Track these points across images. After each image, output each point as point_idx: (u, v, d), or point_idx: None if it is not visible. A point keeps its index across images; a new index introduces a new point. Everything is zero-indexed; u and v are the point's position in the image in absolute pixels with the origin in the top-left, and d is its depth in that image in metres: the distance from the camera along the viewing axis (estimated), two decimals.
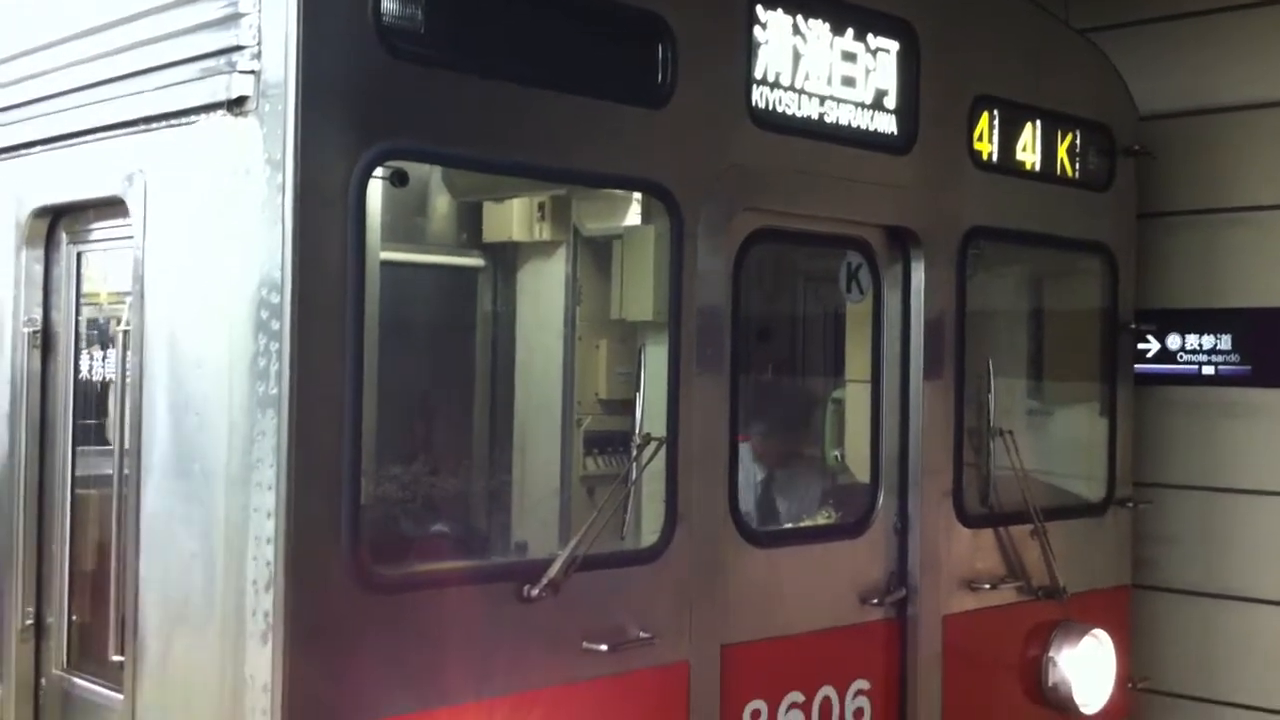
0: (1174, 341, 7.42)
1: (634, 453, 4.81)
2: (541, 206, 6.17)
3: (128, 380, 4.70)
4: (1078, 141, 6.63)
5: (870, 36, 5.55)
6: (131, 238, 4.62)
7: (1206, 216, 7.37)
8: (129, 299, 4.67)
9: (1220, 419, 7.32)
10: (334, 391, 4.01)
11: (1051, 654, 6.32)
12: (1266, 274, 7.19)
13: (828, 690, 5.47)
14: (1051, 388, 7.36)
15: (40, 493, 5.26)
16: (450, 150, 4.45)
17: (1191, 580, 7.37)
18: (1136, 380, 7.11)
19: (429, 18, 4.24)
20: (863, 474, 5.98)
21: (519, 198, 6.14)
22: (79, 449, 5.27)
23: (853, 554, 5.65)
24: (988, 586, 6.03)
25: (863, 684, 5.61)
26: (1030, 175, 6.39)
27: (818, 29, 5.37)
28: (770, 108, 5.22)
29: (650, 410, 4.90)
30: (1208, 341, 7.33)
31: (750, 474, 6.51)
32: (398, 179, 4.28)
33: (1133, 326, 6.97)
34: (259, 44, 4.05)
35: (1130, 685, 6.77)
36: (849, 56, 5.48)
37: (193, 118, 4.32)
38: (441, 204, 6.45)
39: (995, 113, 6.16)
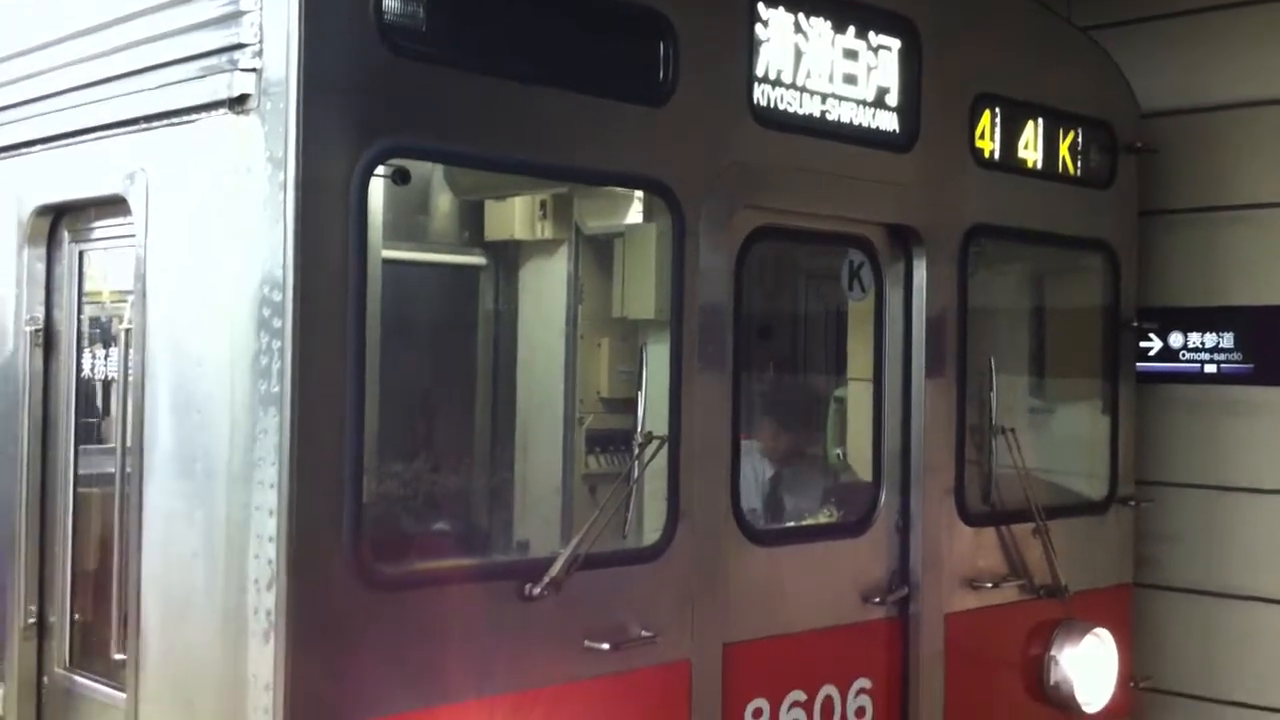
0: (1176, 340, 7.42)
1: (636, 451, 4.81)
2: (543, 205, 6.17)
3: (130, 379, 4.71)
4: (1079, 139, 6.63)
5: (872, 34, 5.55)
6: (133, 236, 4.62)
7: (1208, 214, 7.36)
8: (131, 297, 4.68)
9: (1222, 417, 7.31)
10: (336, 389, 4.01)
11: (1053, 652, 6.32)
12: (1269, 272, 7.18)
13: (829, 689, 5.47)
14: (1053, 386, 7.35)
15: (42, 491, 5.26)
16: (452, 148, 4.46)
17: (1193, 579, 7.36)
18: (1138, 378, 7.11)
19: (430, 15, 4.24)
20: (865, 472, 5.98)
21: (521, 196, 6.14)
22: (81, 447, 5.27)
23: (854, 552, 5.64)
24: (990, 585, 6.02)
25: (865, 682, 5.61)
26: (1032, 173, 6.39)
27: (819, 26, 5.36)
28: (772, 105, 5.21)
29: (652, 408, 4.90)
30: (1210, 340, 7.32)
31: (759, 471, 6.52)
32: (399, 177, 4.29)
33: (1135, 324, 6.97)
34: (260, 42, 4.05)
35: (1132, 684, 6.77)
36: (851, 54, 5.48)
37: (194, 116, 4.32)
38: (443, 202, 6.45)
39: (997, 110, 6.16)
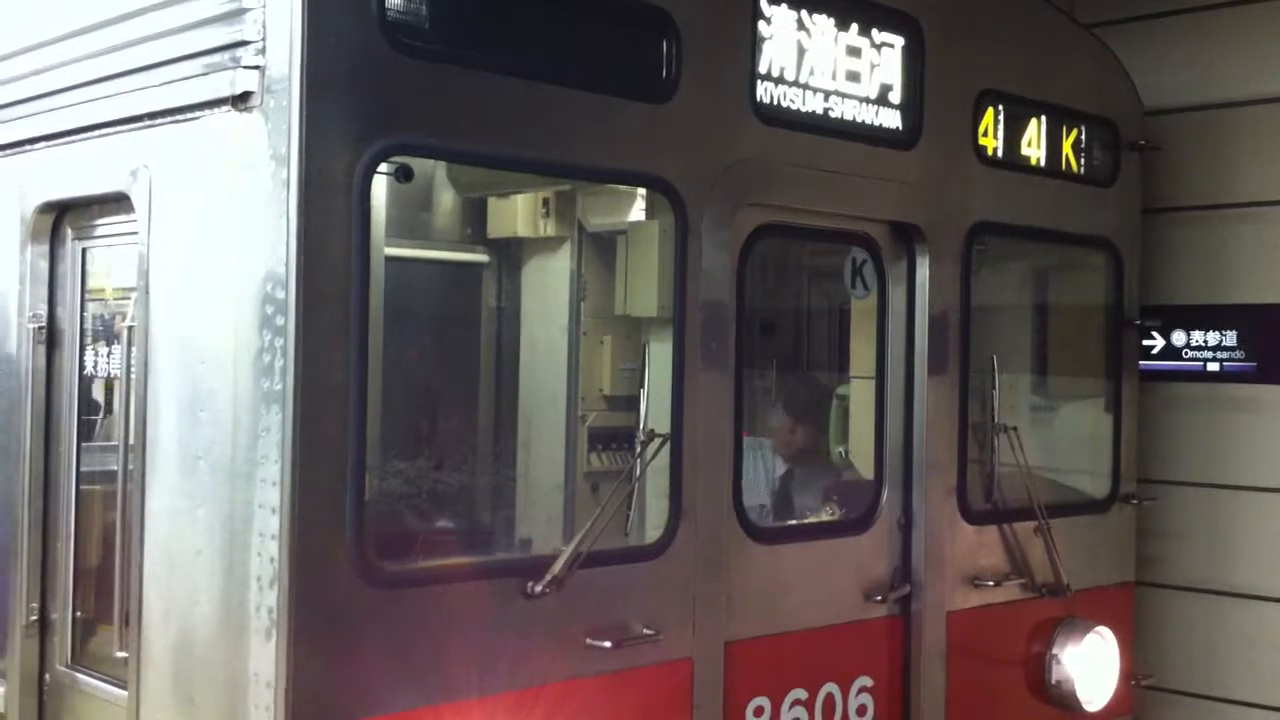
0: (1179, 338, 7.41)
1: (638, 449, 4.81)
2: (546, 202, 6.17)
3: (132, 376, 4.71)
4: (1083, 136, 6.62)
5: (875, 31, 5.54)
6: (136, 233, 4.62)
7: (1212, 212, 7.36)
8: (134, 294, 4.68)
9: (1225, 415, 7.31)
10: (338, 387, 4.01)
11: (1055, 651, 6.31)
12: (1272, 270, 7.17)
13: (831, 687, 5.46)
14: (1056, 384, 7.35)
15: (45, 488, 5.26)
16: (455, 145, 4.45)
17: (1196, 577, 7.36)
18: (1141, 376, 7.10)
19: (433, 12, 4.23)
20: (867, 470, 5.98)
21: (523, 193, 6.14)
22: (84, 445, 5.27)
23: (856, 550, 5.64)
24: (991, 583, 6.02)
25: (866, 681, 5.61)
26: (1035, 170, 6.38)
27: (822, 24, 5.36)
28: (775, 103, 5.21)
29: (654, 406, 4.90)
30: (1213, 338, 7.32)
31: (770, 468, 6.52)
32: (402, 174, 4.29)
33: (1137, 322, 6.96)
34: (263, 39, 4.05)
35: (1134, 682, 6.77)
36: (854, 51, 5.48)
37: (197, 113, 4.32)
38: (446, 199, 6.45)
39: (1000, 108, 6.15)
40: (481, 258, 6.50)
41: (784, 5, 5.22)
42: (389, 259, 5.09)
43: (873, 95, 5.55)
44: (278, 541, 3.94)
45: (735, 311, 5.10)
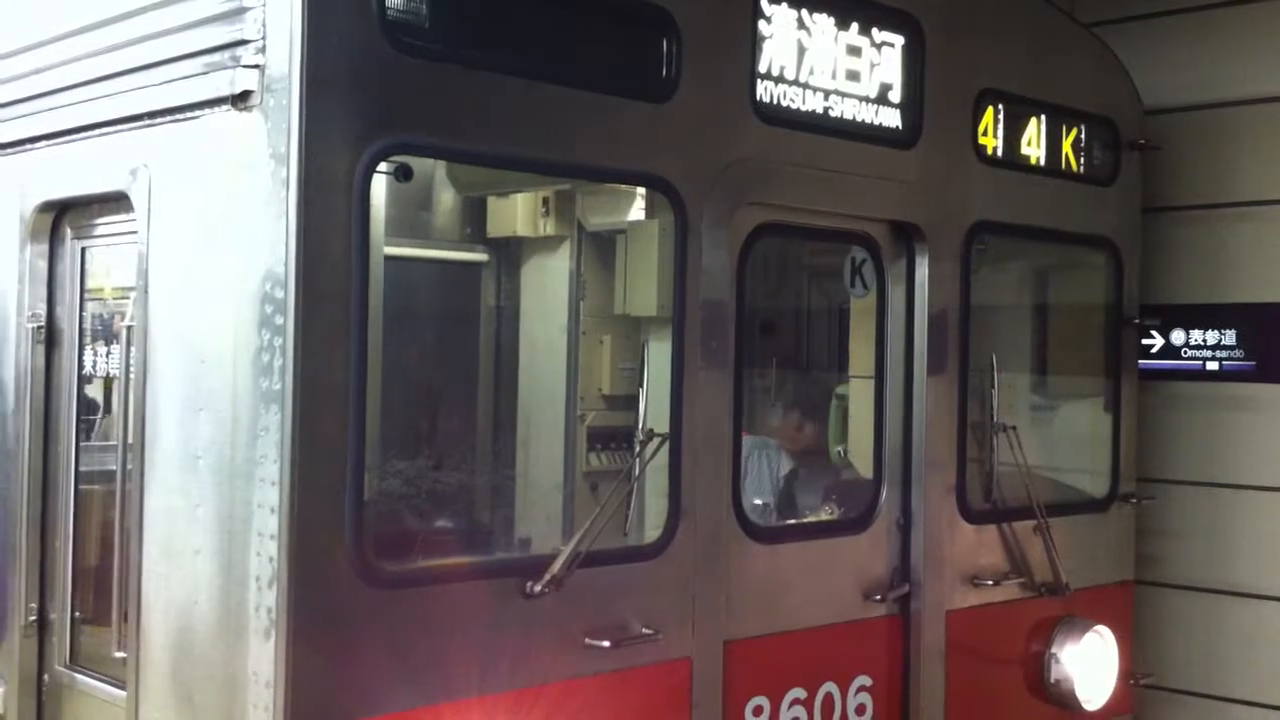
0: (1178, 337, 7.41)
1: (637, 448, 4.81)
2: (546, 201, 6.17)
3: (131, 376, 4.71)
4: (1083, 135, 6.62)
5: (875, 30, 5.54)
6: (136, 233, 4.62)
7: (1211, 211, 7.36)
8: (133, 294, 4.67)
9: (1224, 414, 7.31)
10: (338, 386, 4.00)
11: (1054, 650, 6.31)
12: (1271, 269, 7.18)
13: (830, 686, 5.46)
14: (1055, 383, 7.35)
15: (44, 488, 5.26)
16: (455, 144, 4.45)
17: (1195, 576, 7.36)
18: (1141, 375, 7.10)
19: (433, 11, 4.23)
20: (866, 469, 5.98)
21: (523, 192, 6.14)
22: (83, 444, 5.27)
23: (856, 549, 5.64)
24: (991, 582, 6.02)
25: (865, 680, 5.61)
26: (1035, 169, 6.38)
27: (823, 23, 5.36)
28: (775, 102, 5.21)
29: (653, 405, 4.90)
30: (1212, 337, 7.32)
31: (776, 468, 6.53)
32: (402, 174, 4.29)
33: (1137, 321, 6.96)
34: (263, 38, 4.05)
35: (1133, 681, 6.77)
36: (854, 51, 5.47)
37: (197, 112, 4.31)
38: (446, 199, 6.44)
39: (1000, 107, 6.15)
40: (481, 257, 6.50)
41: (784, 4, 5.22)
42: (388, 258, 5.09)
43: (873, 94, 5.55)
44: (277, 541, 3.94)
45: (735, 311, 5.09)
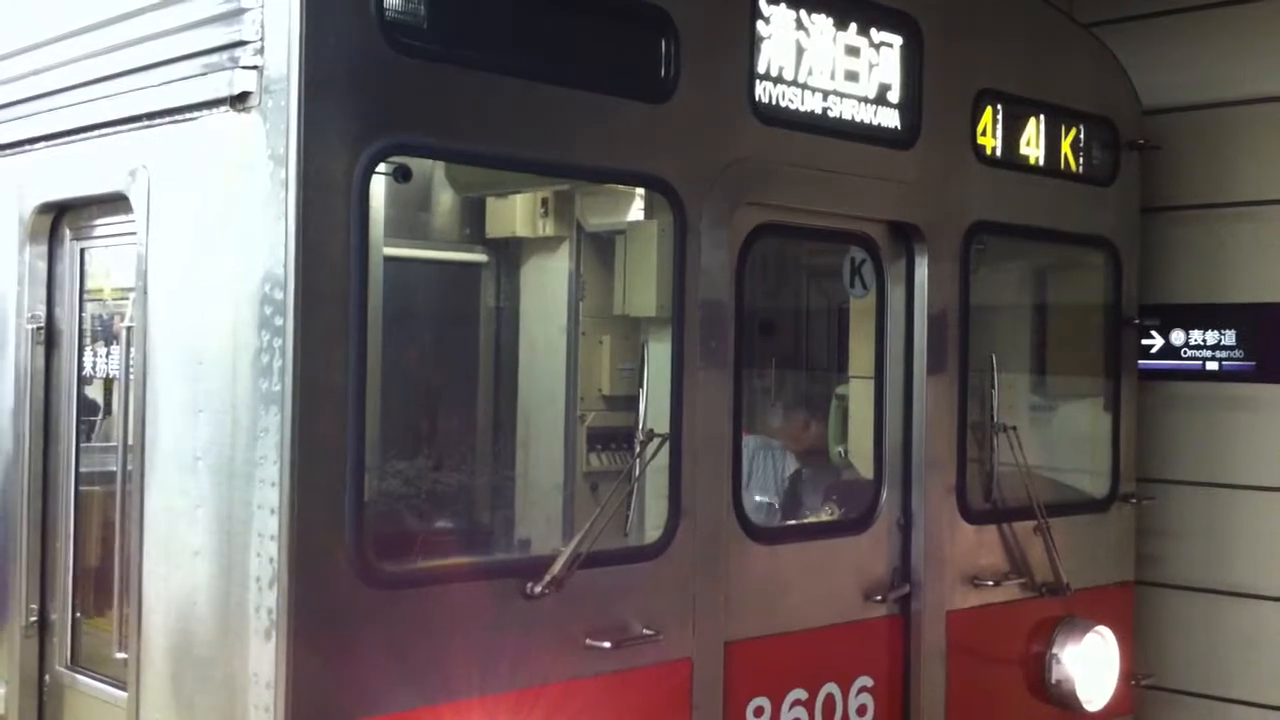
0: (1178, 337, 7.41)
1: (637, 449, 4.81)
2: (545, 202, 6.17)
3: (131, 377, 4.70)
4: (1081, 135, 6.62)
5: (874, 31, 5.54)
6: (135, 234, 4.62)
7: (1211, 211, 7.36)
8: (132, 295, 4.67)
9: (1223, 414, 7.31)
10: (337, 387, 4.00)
11: (1055, 650, 6.31)
12: (1271, 269, 7.18)
13: (831, 687, 5.46)
14: (1055, 383, 7.35)
15: (44, 489, 5.26)
16: (453, 145, 4.45)
17: (1195, 576, 7.36)
18: (1140, 376, 7.10)
19: (431, 12, 4.23)
20: (866, 470, 5.98)
21: (522, 193, 6.14)
22: (82, 445, 5.27)
23: (856, 550, 5.64)
24: (991, 583, 6.02)
25: (866, 680, 5.61)
26: (1034, 170, 6.38)
27: (821, 23, 5.36)
28: (774, 102, 5.21)
29: (653, 406, 4.90)
30: (1211, 337, 7.32)
31: (781, 468, 6.53)
32: (401, 174, 4.28)
33: (1136, 321, 6.96)
34: (262, 39, 4.05)
35: (1134, 682, 6.77)
36: (852, 51, 5.48)
37: (196, 113, 4.32)
38: (445, 199, 6.44)
39: (999, 107, 6.15)
40: (480, 258, 6.50)
41: (783, 5, 5.22)
42: (388, 259, 5.09)
43: (871, 95, 5.55)
44: (277, 542, 3.94)
45: (734, 311, 5.09)
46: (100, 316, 5.26)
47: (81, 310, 5.31)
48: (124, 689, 4.65)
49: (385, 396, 5.00)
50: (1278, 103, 7.15)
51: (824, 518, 6.26)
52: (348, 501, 4.01)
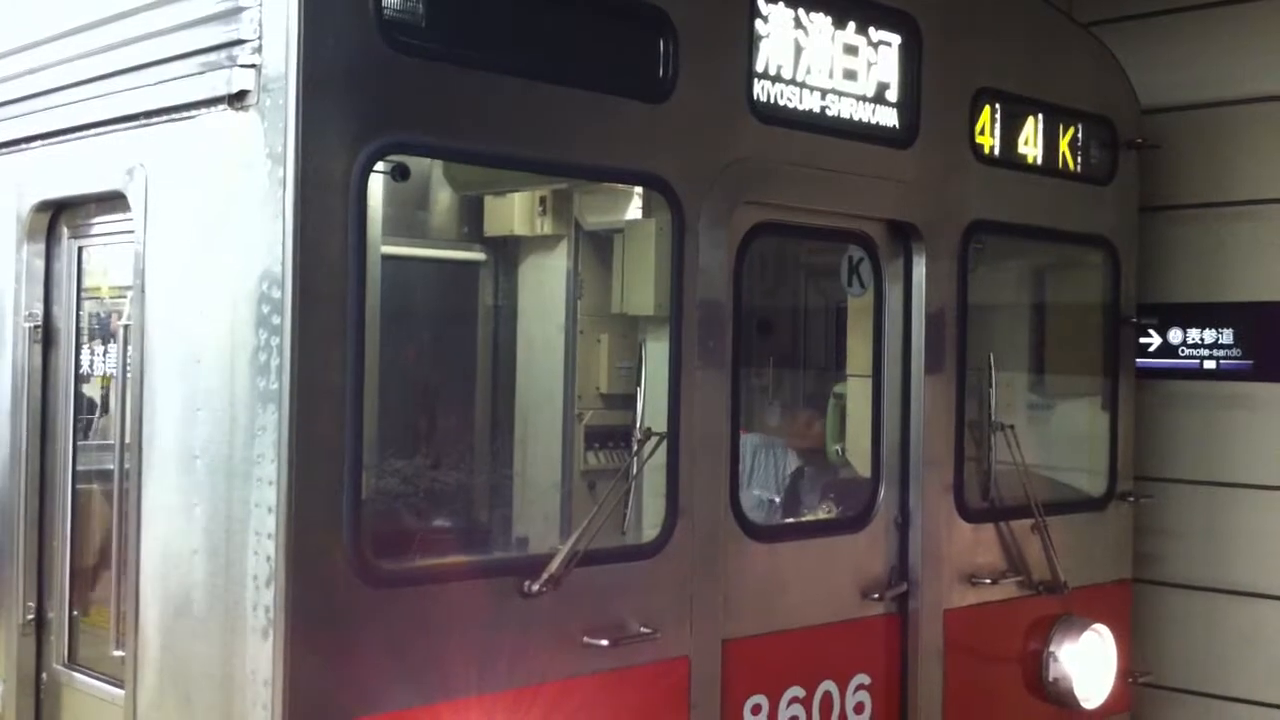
0: (1175, 335, 7.42)
1: (635, 447, 4.81)
2: (543, 201, 6.16)
3: (129, 375, 4.70)
4: (1080, 134, 6.62)
5: (872, 30, 5.54)
6: (132, 232, 4.61)
7: (1209, 210, 7.36)
8: (130, 293, 4.67)
9: (1221, 413, 7.32)
10: (335, 386, 4.00)
11: (1052, 649, 6.32)
12: (1268, 268, 7.18)
13: (828, 685, 5.47)
14: (1053, 382, 7.35)
15: (41, 488, 5.26)
16: (451, 144, 4.44)
17: (1193, 575, 7.37)
18: (1138, 374, 7.11)
19: (430, 11, 4.23)
20: (864, 468, 5.98)
21: (520, 192, 6.14)
22: (80, 444, 5.27)
23: (853, 548, 5.64)
24: (989, 581, 6.02)
25: (863, 678, 5.61)
26: (1032, 169, 6.38)
27: (819, 22, 5.36)
28: (772, 101, 5.21)
29: (651, 404, 4.90)
30: (1209, 336, 7.32)
31: (783, 466, 6.53)
32: (399, 173, 4.28)
33: (1134, 320, 6.96)
34: (260, 38, 4.04)
35: (1131, 680, 6.78)
36: (851, 50, 5.48)
37: (194, 112, 4.31)
38: (443, 198, 6.44)
39: (997, 106, 6.15)
40: (478, 256, 6.50)
41: (781, 4, 5.22)
42: (386, 258, 5.09)
43: (870, 94, 5.55)
44: (274, 540, 3.94)
45: (732, 310, 5.09)
46: (98, 315, 5.26)
47: (79, 309, 5.30)
48: (121, 687, 4.65)
49: (383, 395, 5.00)
50: (1277, 102, 7.15)
51: (822, 516, 6.27)
52: (346, 500, 4.01)
